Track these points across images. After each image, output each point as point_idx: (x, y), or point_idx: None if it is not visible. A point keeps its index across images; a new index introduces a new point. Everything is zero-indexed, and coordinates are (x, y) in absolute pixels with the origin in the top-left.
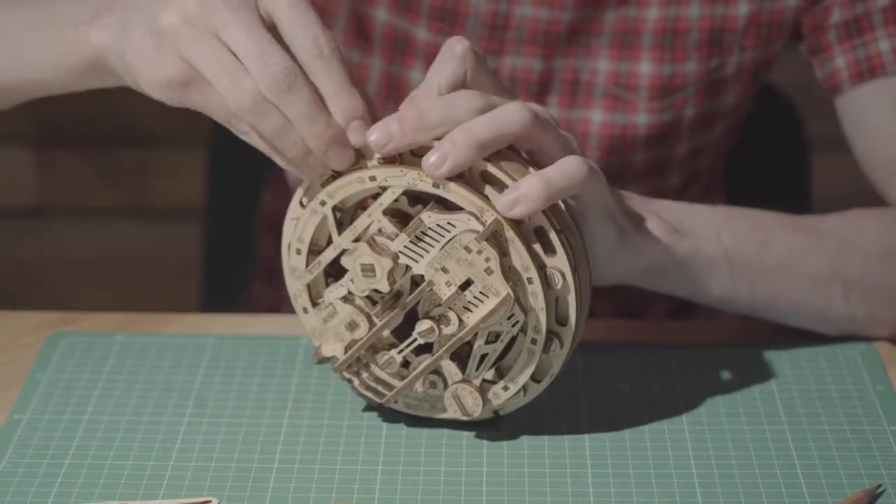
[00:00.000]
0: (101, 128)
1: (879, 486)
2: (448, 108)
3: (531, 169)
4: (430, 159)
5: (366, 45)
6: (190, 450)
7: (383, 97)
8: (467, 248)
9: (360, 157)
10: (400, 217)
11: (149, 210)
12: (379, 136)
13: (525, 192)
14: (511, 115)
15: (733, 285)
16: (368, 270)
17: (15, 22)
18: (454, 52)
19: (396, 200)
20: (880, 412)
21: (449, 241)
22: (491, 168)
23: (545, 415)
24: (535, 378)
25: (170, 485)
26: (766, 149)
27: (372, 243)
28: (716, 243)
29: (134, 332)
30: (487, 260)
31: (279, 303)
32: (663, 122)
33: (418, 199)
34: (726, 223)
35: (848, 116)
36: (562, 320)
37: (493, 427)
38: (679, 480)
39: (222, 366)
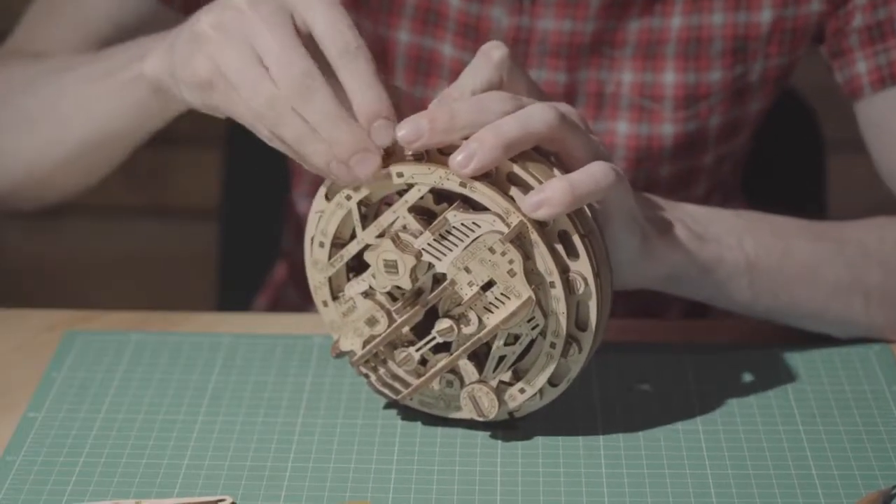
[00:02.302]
0: None
1: (894, 486)
2: (479, 110)
3: (557, 172)
4: (457, 158)
5: (387, 69)
6: (205, 448)
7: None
8: (491, 249)
9: (388, 155)
10: (425, 214)
11: (166, 209)
12: (408, 132)
13: (550, 194)
14: (538, 116)
15: (754, 292)
16: (391, 267)
17: (76, 79)
18: (490, 57)
19: (422, 198)
20: (895, 412)
21: (473, 241)
22: (517, 169)
23: (560, 415)
24: (552, 382)
25: (184, 483)
26: (783, 150)
27: (396, 240)
28: (738, 250)
29: (149, 330)
30: (511, 262)
31: (303, 302)
32: (689, 131)
33: (444, 197)
34: (749, 230)
35: (867, 121)
36: (582, 325)
37: (508, 427)
38: (693, 481)
39: (237, 365)
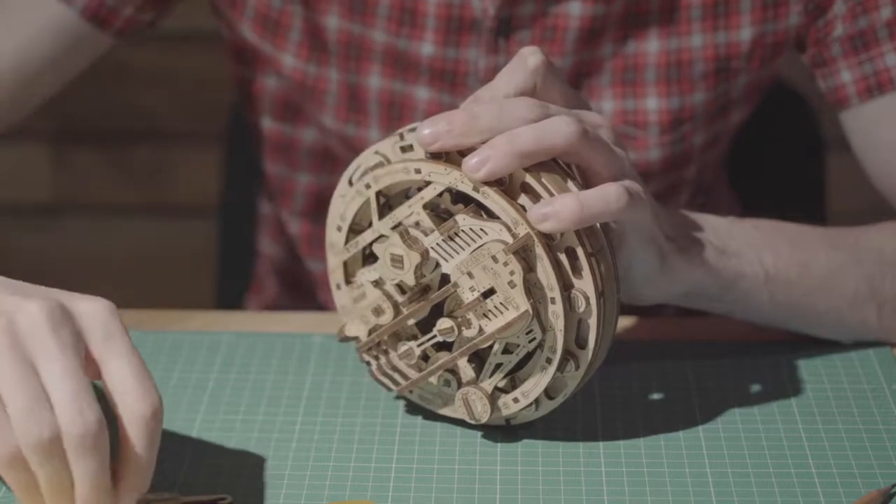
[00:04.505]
0: (118, 125)
1: (894, 485)
2: (501, 116)
3: (573, 186)
4: (471, 161)
5: (361, 115)
6: (204, 447)
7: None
8: (494, 258)
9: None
10: (441, 213)
11: (165, 207)
12: (428, 133)
13: (558, 209)
14: (558, 129)
15: (773, 305)
16: (397, 261)
17: None
18: (526, 63)
19: (440, 195)
20: (895, 411)
21: (478, 248)
22: (532, 180)
23: (559, 414)
24: (548, 395)
25: (184, 482)
26: (783, 150)
27: (404, 235)
28: (758, 265)
29: (148, 329)
30: (512, 273)
31: (292, 304)
32: (675, 153)
33: (462, 198)
34: (768, 243)
35: (857, 131)
36: (581, 343)
37: (507, 428)
38: (693, 479)
39: (236, 363)
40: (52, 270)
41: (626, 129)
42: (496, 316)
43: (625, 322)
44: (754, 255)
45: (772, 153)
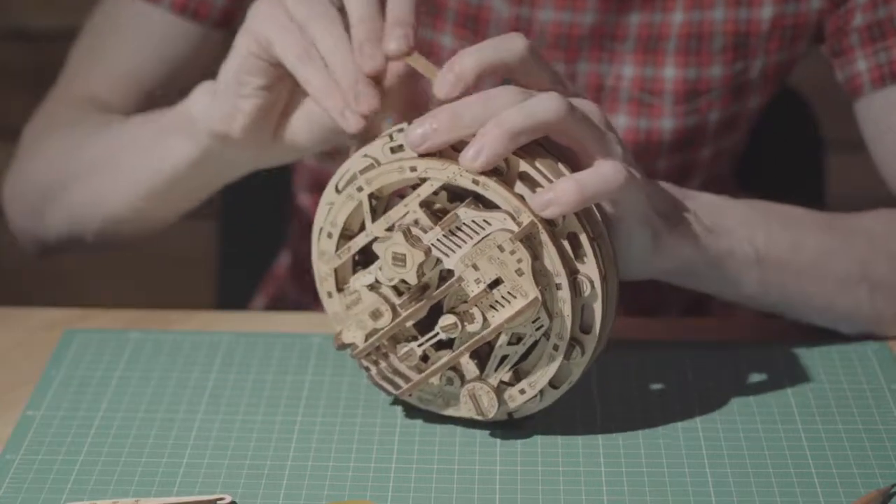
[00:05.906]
0: None
1: (894, 485)
2: (485, 106)
3: (564, 169)
4: (467, 154)
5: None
6: (204, 447)
7: None
8: (500, 248)
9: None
10: (437, 212)
11: None
12: (415, 134)
13: (559, 194)
14: (544, 105)
15: (763, 285)
16: (399, 260)
17: (131, 135)
18: (512, 47)
19: (435, 194)
20: (894, 411)
21: (483, 239)
22: (528, 167)
23: (559, 413)
24: (553, 384)
25: (183, 482)
26: (783, 150)
27: (407, 233)
28: (748, 244)
29: (148, 328)
30: (519, 261)
31: (302, 298)
32: (688, 126)
33: (457, 197)
34: (760, 222)
35: (868, 120)
36: (586, 328)
37: (507, 426)
38: (693, 479)
39: (236, 363)
40: (53, 270)
41: (642, 96)
42: (504, 306)
43: (625, 322)
44: (746, 233)
45: (772, 154)
